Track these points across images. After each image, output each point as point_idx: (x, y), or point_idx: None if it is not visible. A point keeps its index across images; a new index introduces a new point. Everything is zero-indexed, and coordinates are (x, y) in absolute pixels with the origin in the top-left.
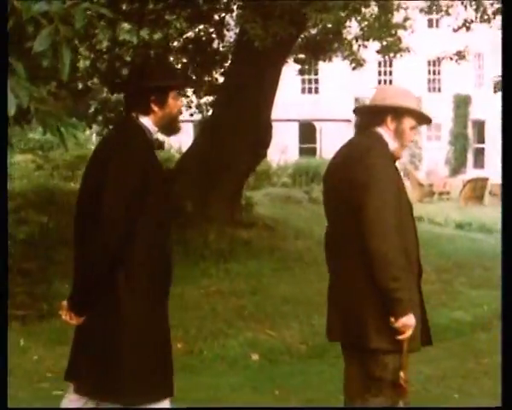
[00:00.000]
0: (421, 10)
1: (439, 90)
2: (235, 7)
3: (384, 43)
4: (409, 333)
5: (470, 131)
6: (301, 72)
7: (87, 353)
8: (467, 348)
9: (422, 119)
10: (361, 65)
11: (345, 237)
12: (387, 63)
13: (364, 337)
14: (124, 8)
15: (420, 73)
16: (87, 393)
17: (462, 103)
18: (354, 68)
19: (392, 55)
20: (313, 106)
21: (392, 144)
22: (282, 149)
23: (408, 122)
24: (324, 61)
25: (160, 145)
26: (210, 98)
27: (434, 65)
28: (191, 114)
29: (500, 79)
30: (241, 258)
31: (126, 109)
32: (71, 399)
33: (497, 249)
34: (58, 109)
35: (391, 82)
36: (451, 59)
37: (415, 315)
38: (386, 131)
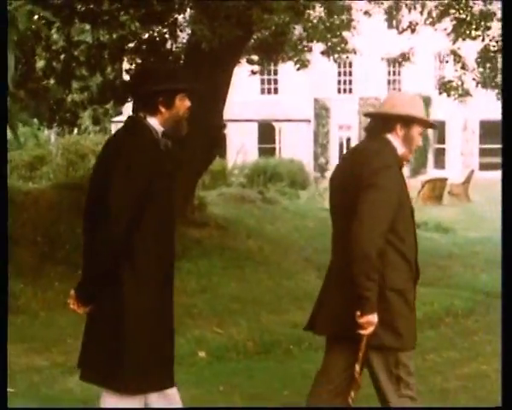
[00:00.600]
0: (366, 13)
1: (400, 90)
2: (188, 8)
3: (329, 44)
4: (370, 330)
5: (431, 132)
6: (254, 73)
7: (93, 341)
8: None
9: (429, 125)
10: (305, 66)
11: (348, 238)
12: (347, 64)
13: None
14: (79, 8)
15: (380, 74)
16: (92, 380)
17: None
18: (298, 69)
19: (336, 56)
20: (272, 106)
21: (401, 149)
22: (239, 149)
23: (416, 129)
24: (276, 62)
25: (167, 144)
26: None
27: (394, 66)
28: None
29: (445, 80)
30: (192, 257)
31: (134, 110)
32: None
33: (452, 248)
34: (17, 110)
35: (350, 82)
36: (395, 60)
37: (412, 316)
38: (395, 138)
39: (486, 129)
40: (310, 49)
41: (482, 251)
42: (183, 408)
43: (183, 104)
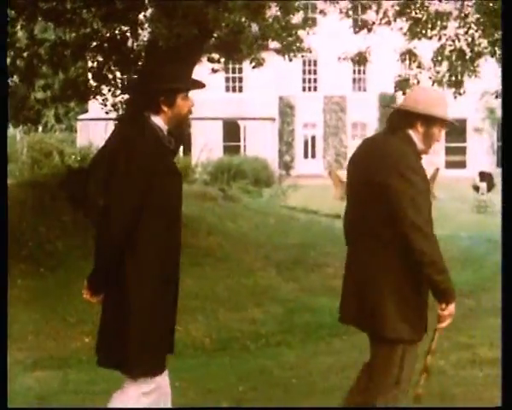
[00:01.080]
0: (321, 12)
1: (365, 89)
2: (149, 6)
3: (284, 42)
4: (449, 321)
5: None
6: (214, 71)
7: (105, 328)
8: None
9: (450, 124)
10: (261, 64)
11: (366, 221)
12: (312, 62)
13: (380, 326)
14: (42, 6)
15: (345, 73)
16: (106, 365)
17: (387, 102)
18: (254, 68)
19: (292, 54)
20: (237, 104)
21: (420, 145)
22: (202, 147)
23: (437, 127)
24: (236, 61)
25: (171, 142)
26: (125, 96)
27: (359, 64)
28: (106, 113)
29: (400, 78)
30: None
31: (138, 109)
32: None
33: None
34: None
35: (315, 80)
36: (352, 60)
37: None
38: (415, 134)
39: (452, 127)
40: (265, 48)
41: (446, 249)
42: (182, 408)
43: (185, 103)
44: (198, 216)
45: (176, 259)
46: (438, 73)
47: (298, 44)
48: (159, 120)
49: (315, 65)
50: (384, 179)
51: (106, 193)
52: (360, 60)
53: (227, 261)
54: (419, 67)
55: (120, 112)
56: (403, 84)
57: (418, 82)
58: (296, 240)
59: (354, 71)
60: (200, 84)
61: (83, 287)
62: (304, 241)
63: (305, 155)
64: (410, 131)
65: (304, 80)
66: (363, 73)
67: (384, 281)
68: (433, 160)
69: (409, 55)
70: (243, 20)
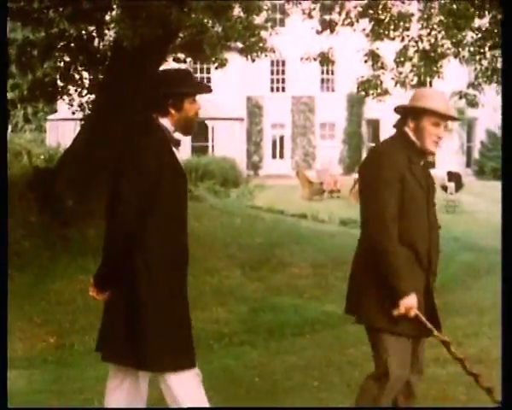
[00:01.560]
0: (284, 12)
1: (333, 89)
2: (114, 6)
3: (247, 43)
4: (412, 314)
5: (365, 130)
6: None
7: (112, 324)
8: (334, 339)
9: (445, 115)
10: (224, 65)
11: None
12: (280, 63)
13: (362, 316)
14: (10, 6)
15: (313, 73)
16: (113, 359)
17: (355, 103)
18: (217, 68)
19: (254, 54)
20: (205, 104)
21: (417, 142)
22: None
23: (428, 120)
24: (200, 61)
25: (177, 143)
26: (92, 97)
27: (322, 64)
28: (73, 113)
29: (363, 79)
30: None
31: (147, 110)
32: (110, 376)
33: None
34: None
35: (283, 81)
36: (315, 59)
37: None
38: (409, 131)
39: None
40: (228, 48)
41: None
42: (182, 409)
43: (192, 107)
44: None
45: (185, 257)
46: (400, 73)
47: (261, 45)
48: (166, 122)
49: (283, 65)
50: (361, 177)
51: (114, 193)
52: (323, 60)
53: (192, 261)
54: (382, 67)
55: (87, 112)
56: (365, 85)
57: (381, 83)
58: (261, 240)
59: (322, 71)
60: (207, 89)
61: (46, 290)
62: (269, 240)
63: (274, 156)
64: (406, 128)
65: (272, 81)
66: (332, 73)
67: (364, 274)
68: None
69: (372, 56)
70: (206, 20)
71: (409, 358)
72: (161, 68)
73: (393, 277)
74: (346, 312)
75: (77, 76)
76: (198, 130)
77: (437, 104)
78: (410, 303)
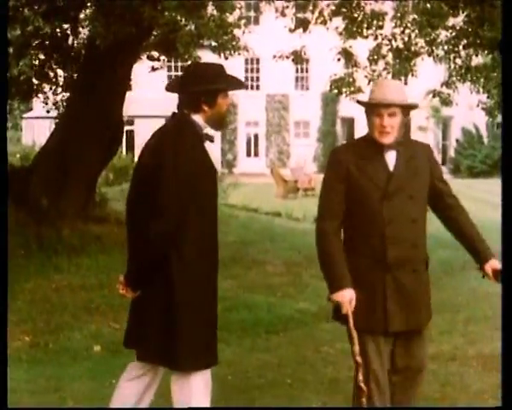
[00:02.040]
0: (257, 10)
1: (307, 88)
2: (88, 4)
3: (220, 41)
4: (344, 309)
5: (339, 129)
6: (154, 69)
7: (146, 323)
8: (308, 337)
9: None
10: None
11: None
12: (254, 61)
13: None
14: None
15: (287, 71)
16: (148, 358)
17: (330, 101)
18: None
19: (228, 53)
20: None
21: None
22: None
23: (371, 112)
24: (174, 59)
25: (211, 138)
26: (66, 95)
27: (301, 63)
28: (48, 111)
29: (336, 77)
30: (92, 253)
31: (179, 107)
32: (130, 366)
33: None
34: None
35: (258, 79)
36: (288, 58)
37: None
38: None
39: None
40: (201, 46)
41: None
42: (183, 409)
43: (224, 102)
44: None
45: (215, 255)
46: (374, 71)
47: (234, 43)
48: (198, 118)
49: (257, 63)
50: None
51: (148, 192)
52: (296, 58)
53: None
54: (355, 65)
55: (61, 110)
56: (338, 83)
57: (354, 81)
58: (235, 238)
59: (297, 70)
60: (241, 84)
61: (21, 289)
62: (243, 238)
63: (248, 154)
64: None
65: (246, 79)
66: (306, 71)
67: None
68: None
69: (345, 54)
70: (179, 18)
71: (383, 356)
72: (193, 63)
73: (324, 273)
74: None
75: (51, 74)
76: None
77: (373, 95)
78: (338, 298)
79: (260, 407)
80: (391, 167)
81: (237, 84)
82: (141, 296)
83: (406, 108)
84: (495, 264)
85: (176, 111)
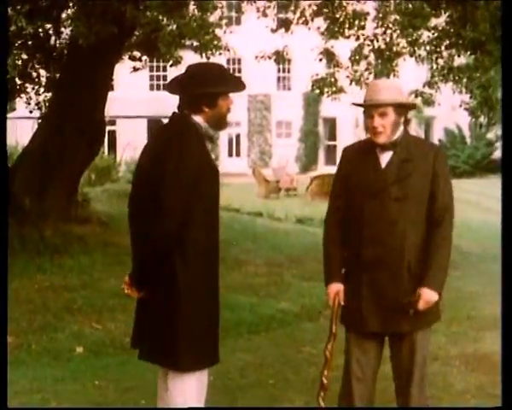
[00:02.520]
0: (238, 10)
1: (289, 88)
2: (71, 4)
3: (201, 41)
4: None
5: (321, 129)
6: (136, 69)
7: (149, 323)
8: (290, 337)
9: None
10: (178, 62)
11: None
12: (236, 61)
13: None
14: None
15: (269, 71)
16: (148, 358)
17: (312, 101)
18: (171, 66)
19: (209, 52)
20: (162, 103)
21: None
22: (125, 145)
23: (365, 114)
24: (155, 59)
25: (212, 139)
26: (49, 95)
27: (283, 63)
28: (30, 111)
29: (317, 77)
30: (74, 253)
31: (180, 107)
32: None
33: None
34: None
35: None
36: (270, 58)
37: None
38: None
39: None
40: (183, 46)
41: None
42: (182, 409)
43: (225, 103)
44: (119, 215)
45: (217, 254)
46: (356, 72)
47: (215, 43)
48: (199, 119)
49: (239, 63)
50: None
51: (150, 192)
52: (278, 58)
53: None
54: (337, 66)
55: (44, 110)
56: (320, 83)
57: (336, 81)
58: None
59: (279, 70)
60: (241, 86)
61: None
62: (225, 238)
63: (230, 154)
64: None
65: None
66: (288, 71)
67: None
68: None
69: (326, 55)
70: (161, 18)
71: (367, 355)
72: (194, 64)
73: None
74: None
75: (34, 74)
76: (154, 128)
77: (364, 96)
78: (329, 291)
79: (261, 406)
80: (383, 168)
81: (238, 85)
82: (145, 297)
83: (400, 107)
84: (425, 294)
85: (175, 111)
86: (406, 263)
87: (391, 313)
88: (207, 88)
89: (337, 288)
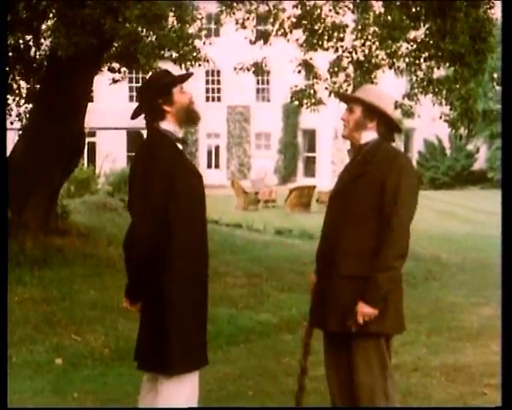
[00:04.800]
0: (217, 22)
1: (268, 99)
2: (51, 15)
3: (180, 52)
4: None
5: (300, 140)
6: (115, 81)
7: (141, 333)
8: (269, 348)
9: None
10: None
11: None
12: (215, 72)
13: None
14: None
15: (248, 83)
16: (143, 367)
17: (291, 113)
18: None
19: (188, 64)
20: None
21: None
22: (104, 157)
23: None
24: (135, 70)
25: (183, 140)
26: (30, 106)
27: (262, 75)
28: (11, 123)
29: (296, 89)
30: (54, 265)
31: (147, 123)
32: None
33: (314, 255)
34: None
35: (219, 90)
36: (248, 70)
37: None
38: None
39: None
40: (162, 58)
41: None
42: (181, 409)
43: (183, 96)
44: (99, 227)
45: (205, 259)
46: (335, 83)
47: (194, 54)
48: (167, 125)
49: (218, 75)
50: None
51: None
52: (257, 70)
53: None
54: (316, 77)
55: (25, 122)
56: (299, 95)
57: (315, 93)
58: None
59: (258, 81)
60: (187, 75)
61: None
62: None
63: (209, 165)
64: None
65: (207, 90)
66: (267, 83)
67: None
68: (338, 170)
69: (305, 66)
70: (140, 29)
71: (330, 353)
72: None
73: None
74: None
75: (15, 85)
76: (133, 140)
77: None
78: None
79: (263, 406)
80: (343, 168)
81: (184, 75)
82: (142, 308)
83: (368, 110)
84: (359, 307)
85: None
86: (348, 270)
87: (324, 313)
88: (156, 87)
89: (312, 278)
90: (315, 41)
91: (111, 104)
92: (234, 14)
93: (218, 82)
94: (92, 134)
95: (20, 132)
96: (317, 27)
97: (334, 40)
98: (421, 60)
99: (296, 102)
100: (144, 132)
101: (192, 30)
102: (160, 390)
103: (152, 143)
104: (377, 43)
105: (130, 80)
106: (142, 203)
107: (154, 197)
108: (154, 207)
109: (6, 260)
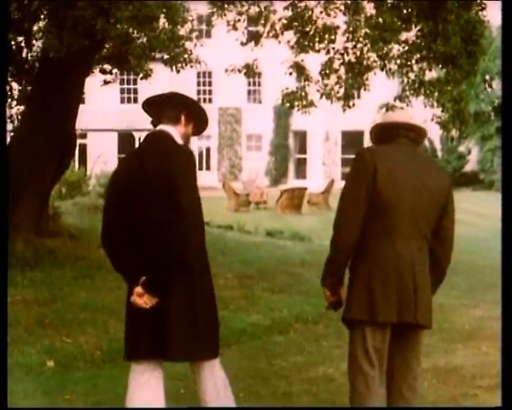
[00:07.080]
0: (208, 24)
1: (260, 101)
2: (42, 16)
3: (172, 54)
4: None
5: (292, 142)
6: (106, 83)
7: (175, 327)
8: (261, 350)
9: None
10: (149, 75)
11: None
12: (207, 74)
13: None
14: None
15: (240, 85)
16: (187, 358)
17: (282, 114)
18: (142, 79)
19: (179, 65)
20: (132, 116)
21: None
22: (95, 159)
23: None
24: (126, 72)
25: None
26: (21, 108)
27: (253, 76)
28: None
29: (287, 91)
30: (45, 267)
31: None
32: (136, 374)
33: (305, 256)
34: None
35: (210, 92)
36: (240, 71)
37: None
38: None
39: (348, 139)
40: (153, 59)
41: None
42: (181, 409)
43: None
44: (90, 228)
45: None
46: (326, 85)
47: (185, 56)
48: (173, 130)
49: (210, 77)
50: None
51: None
52: (248, 72)
53: (116, 274)
54: (307, 79)
55: (16, 124)
56: (290, 97)
57: (306, 95)
58: None
59: (249, 83)
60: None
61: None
62: None
63: (200, 167)
64: None
65: (199, 92)
66: (259, 85)
67: None
68: (329, 171)
69: (297, 68)
70: (131, 31)
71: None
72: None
73: None
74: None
75: (6, 87)
76: (125, 141)
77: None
78: None
79: (267, 407)
80: None
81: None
82: (161, 303)
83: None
84: None
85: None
86: None
87: None
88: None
89: None
90: (306, 43)
91: (102, 106)
92: (225, 15)
93: (210, 83)
94: (83, 136)
95: (12, 134)
96: (308, 29)
97: (326, 42)
98: (413, 62)
99: (287, 104)
100: (136, 134)
101: (183, 31)
102: (214, 374)
103: (178, 146)
104: (369, 44)
105: (122, 82)
106: (191, 198)
107: (196, 190)
108: (192, 205)
109: (6, 260)
